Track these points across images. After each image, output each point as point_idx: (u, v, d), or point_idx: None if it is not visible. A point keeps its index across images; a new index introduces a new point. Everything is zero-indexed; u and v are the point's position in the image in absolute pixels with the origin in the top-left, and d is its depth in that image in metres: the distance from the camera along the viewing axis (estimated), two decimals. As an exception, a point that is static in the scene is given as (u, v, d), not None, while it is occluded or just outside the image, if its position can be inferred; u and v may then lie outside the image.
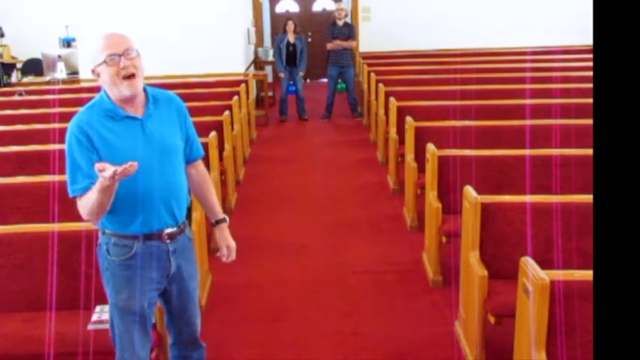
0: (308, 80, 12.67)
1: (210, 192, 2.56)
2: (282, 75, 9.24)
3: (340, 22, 9.09)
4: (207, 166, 4.33)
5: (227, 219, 2.58)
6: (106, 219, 2.27)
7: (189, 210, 2.49)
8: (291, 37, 9.13)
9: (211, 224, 2.59)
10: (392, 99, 6.08)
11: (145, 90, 2.30)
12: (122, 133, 2.22)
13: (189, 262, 2.47)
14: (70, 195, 2.23)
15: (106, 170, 1.98)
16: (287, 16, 10.17)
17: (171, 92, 2.45)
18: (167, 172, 2.30)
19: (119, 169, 1.96)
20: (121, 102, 2.24)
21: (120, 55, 2.17)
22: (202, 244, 3.77)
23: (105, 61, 2.17)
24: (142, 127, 2.25)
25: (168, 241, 2.33)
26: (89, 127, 2.19)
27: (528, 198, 3.20)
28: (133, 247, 2.28)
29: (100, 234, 2.36)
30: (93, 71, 2.24)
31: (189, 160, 2.46)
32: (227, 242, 2.55)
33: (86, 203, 2.17)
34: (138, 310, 2.33)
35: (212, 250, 3.84)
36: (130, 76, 2.18)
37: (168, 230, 2.33)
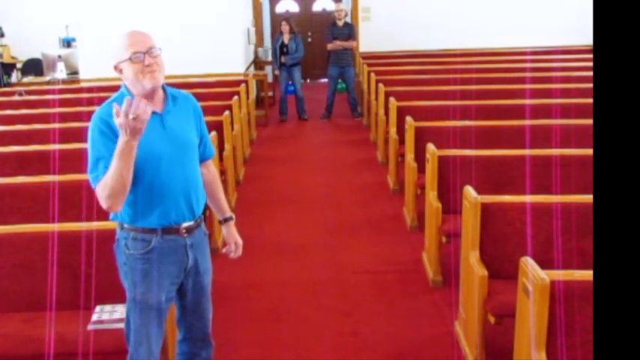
0: (308, 80, 12.68)
1: (220, 191, 2.63)
2: (276, 72, 9.28)
3: (340, 23, 9.09)
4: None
5: (234, 217, 2.66)
6: (126, 211, 2.30)
7: (205, 206, 2.54)
8: (285, 38, 9.13)
9: (219, 222, 2.66)
10: (392, 99, 6.08)
11: (163, 88, 2.37)
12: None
13: (205, 256, 2.51)
14: (93, 184, 2.24)
15: (119, 114, 2.03)
16: (283, 17, 10.18)
17: (188, 92, 2.51)
18: (186, 166, 2.35)
19: (134, 103, 2.01)
20: (143, 97, 2.27)
21: (144, 53, 2.23)
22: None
23: (129, 59, 2.23)
24: (161, 122, 2.31)
25: (185, 235, 2.37)
26: (112, 118, 2.21)
27: (528, 198, 3.20)
28: (152, 241, 2.32)
29: (117, 229, 2.39)
30: (115, 67, 2.29)
31: (201, 159, 2.51)
32: (235, 239, 2.64)
33: (105, 182, 2.17)
34: (155, 304, 2.36)
35: (212, 249, 3.84)
36: (153, 71, 2.25)
37: (186, 224, 2.37)
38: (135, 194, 2.25)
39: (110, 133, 2.22)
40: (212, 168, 2.61)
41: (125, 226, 2.35)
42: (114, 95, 2.35)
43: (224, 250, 2.66)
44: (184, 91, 2.49)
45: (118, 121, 2.05)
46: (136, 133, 2.07)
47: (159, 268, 2.33)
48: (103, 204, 2.23)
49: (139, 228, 2.32)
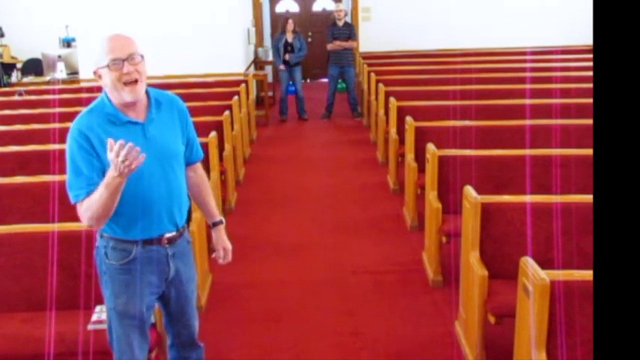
0: (308, 80, 12.67)
1: (208, 194, 2.55)
2: (282, 67, 9.15)
3: (340, 23, 9.10)
4: (207, 166, 4.33)
5: (224, 221, 2.59)
6: (106, 224, 2.23)
7: (190, 212, 2.47)
8: (289, 37, 9.12)
9: (209, 226, 2.60)
10: (392, 99, 6.08)
11: (147, 92, 2.27)
12: (123, 139, 2.14)
13: (188, 265, 2.46)
14: (72, 201, 2.18)
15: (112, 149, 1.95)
16: (286, 16, 10.16)
17: (173, 94, 2.42)
18: (169, 178, 2.28)
19: (126, 149, 1.93)
20: (123, 106, 2.21)
21: (123, 60, 2.13)
22: (202, 244, 3.77)
23: (108, 65, 2.14)
24: (143, 132, 2.22)
25: (167, 245, 2.32)
26: (90, 131, 2.15)
27: (528, 198, 3.20)
28: (132, 251, 2.26)
29: (97, 237, 2.34)
30: (95, 73, 2.20)
31: (188, 163, 2.44)
32: (224, 244, 2.57)
33: (89, 205, 2.11)
34: (136, 314, 2.32)
35: (211, 249, 3.84)
36: (132, 82, 2.15)
37: (168, 235, 2.32)
38: (116, 208, 2.16)
39: (88, 147, 2.14)
40: (200, 171, 2.53)
41: (104, 235, 2.29)
42: (93, 103, 2.26)
43: (213, 256, 2.60)
44: (169, 93, 2.39)
45: (109, 156, 1.97)
46: (125, 173, 1.99)
47: (139, 278, 2.28)
48: (84, 222, 2.18)
49: (119, 238, 2.26)
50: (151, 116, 2.25)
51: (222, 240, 2.56)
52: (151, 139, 2.22)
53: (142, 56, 2.20)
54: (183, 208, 2.39)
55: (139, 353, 2.39)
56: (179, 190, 2.34)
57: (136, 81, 2.16)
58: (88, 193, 2.12)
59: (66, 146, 2.19)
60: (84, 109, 2.25)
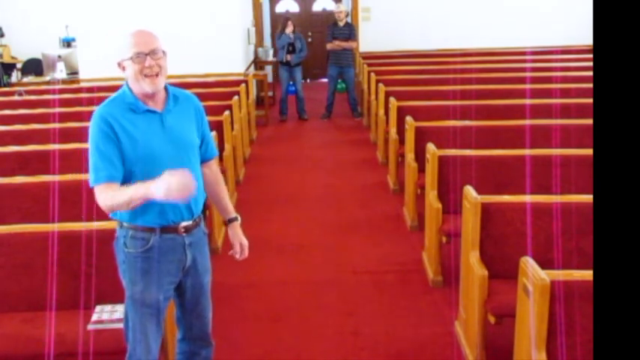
0: (308, 80, 12.67)
1: (224, 191, 2.64)
2: (289, 58, 9.12)
3: (341, 23, 9.10)
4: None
5: (239, 217, 2.66)
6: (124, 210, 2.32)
7: (205, 205, 2.54)
8: (290, 37, 9.12)
9: (224, 223, 2.68)
10: (392, 99, 6.08)
11: (166, 88, 2.39)
12: (142, 126, 2.29)
13: (204, 255, 2.52)
14: (92, 183, 2.26)
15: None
16: (285, 16, 10.13)
17: (190, 92, 2.52)
18: (185, 166, 2.34)
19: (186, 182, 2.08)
20: (143, 97, 2.32)
21: (146, 54, 2.26)
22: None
23: (131, 58, 2.26)
24: (161, 121, 2.33)
25: (184, 234, 2.38)
26: (112, 118, 2.27)
27: (528, 198, 3.20)
28: (150, 239, 2.33)
29: (117, 227, 2.41)
30: (119, 64, 2.32)
31: (203, 160, 2.53)
32: (240, 240, 2.63)
33: (113, 197, 2.21)
34: (153, 303, 2.37)
35: (212, 249, 3.84)
36: (153, 75, 2.27)
37: (185, 223, 2.38)
38: None
39: (111, 133, 2.25)
40: (215, 168, 2.61)
41: (124, 224, 2.36)
42: (116, 93, 2.37)
43: (230, 253, 2.65)
44: (187, 91, 2.50)
45: (166, 184, 2.06)
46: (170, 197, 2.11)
47: (157, 266, 2.34)
48: (102, 207, 2.27)
49: (138, 227, 2.33)
50: (169, 107, 2.37)
51: (239, 236, 2.63)
52: (168, 127, 2.34)
53: (165, 52, 2.33)
54: (199, 197, 2.45)
55: (153, 344, 2.42)
56: (194, 178, 2.38)
57: (156, 74, 2.29)
58: (108, 177, 2.23)
59: (89, 132, 2.29)
60: (107, 98, 2.36)
